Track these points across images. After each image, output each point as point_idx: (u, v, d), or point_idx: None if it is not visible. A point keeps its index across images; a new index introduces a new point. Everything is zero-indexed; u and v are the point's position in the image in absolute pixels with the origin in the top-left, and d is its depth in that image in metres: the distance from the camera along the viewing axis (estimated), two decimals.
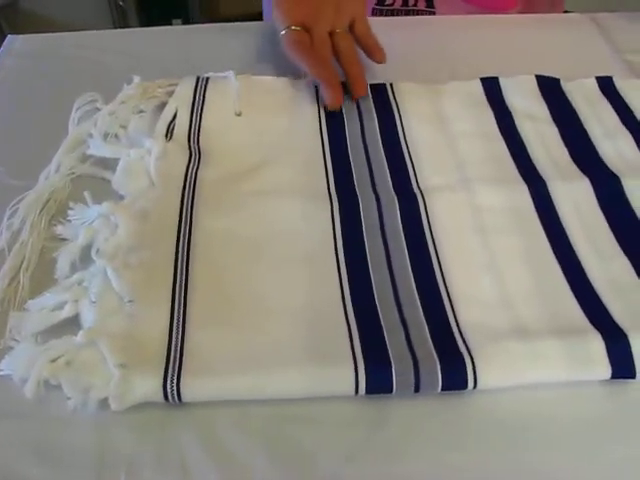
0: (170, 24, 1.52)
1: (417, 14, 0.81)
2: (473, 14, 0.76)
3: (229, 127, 0.58)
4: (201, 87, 0.61)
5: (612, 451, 0.39)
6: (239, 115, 0.60)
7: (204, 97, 0.60)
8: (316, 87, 0.62)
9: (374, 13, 0.81)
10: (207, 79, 0.62)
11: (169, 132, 0.57)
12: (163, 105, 0.59)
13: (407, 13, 0.81)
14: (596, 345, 0.41)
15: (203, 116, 0.59)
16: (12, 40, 0.71)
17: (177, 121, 0.58)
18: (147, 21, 1.71)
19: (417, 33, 0.72)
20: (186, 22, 1.70)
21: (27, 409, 0.40)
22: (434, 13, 0.81)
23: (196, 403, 0.40)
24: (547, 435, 0.40)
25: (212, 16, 1.78)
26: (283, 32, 0.62)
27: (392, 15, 0.81)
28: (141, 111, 0.59)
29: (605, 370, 0.41)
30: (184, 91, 0.60)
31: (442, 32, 0.73)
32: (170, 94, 0.60)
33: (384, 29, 0.65)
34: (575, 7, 0.87)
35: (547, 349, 0.41)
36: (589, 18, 0.75)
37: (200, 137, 0.57)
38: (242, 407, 0.40)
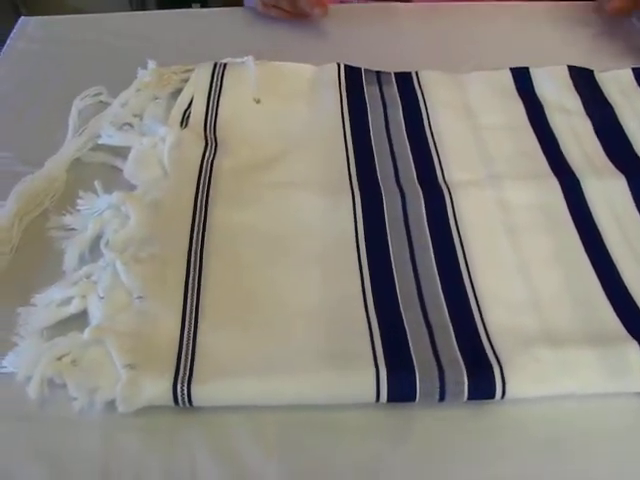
0: (190, 7, 1.50)
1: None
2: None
3: (247, 115, 0.56)
4: (218, 73, 0.59)
5: None
6: (258, 102, 0.57)
7: (221, 83, 0.58)
8: (338, 73, 0.59)
9: None
10: (225, 65, 0.60)
11: (184, 120, 0.55)
12: (179, 92, 0.58)
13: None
14: (634, 354, 0.39)
15: (220, 103, 0.57)
16: (25, 22, 0.69)
17: (193, 108, 0.56)
18: (166, 4, 1.68)
19: (442, 21, 0.70)
20: (205, 6, 1.67)
21: (30, 409, 0.38)
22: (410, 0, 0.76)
23: (207, 407, 0.38)
24: (577, 448, 0.38)
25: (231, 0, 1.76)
26: None
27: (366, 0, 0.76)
28: (156, 98, 0.57)
29: None
30: (201, 77, 0.58)
31: (468, 20, 0.70)
32: (186, 80, 0.59)
33: (406, 16, 0.62)
34: None
35: (580, 358, 0.39)
36: None
37: (217, 125, 0.55)
38: (255, 412, 0.38)
